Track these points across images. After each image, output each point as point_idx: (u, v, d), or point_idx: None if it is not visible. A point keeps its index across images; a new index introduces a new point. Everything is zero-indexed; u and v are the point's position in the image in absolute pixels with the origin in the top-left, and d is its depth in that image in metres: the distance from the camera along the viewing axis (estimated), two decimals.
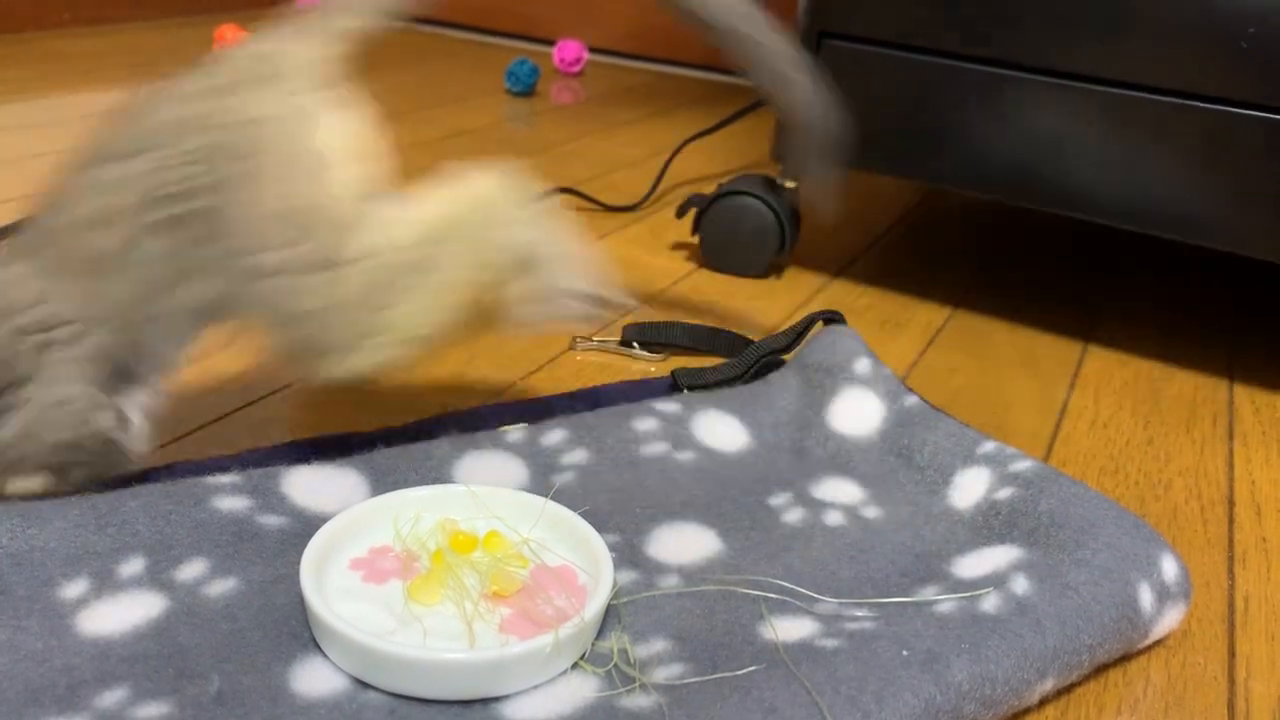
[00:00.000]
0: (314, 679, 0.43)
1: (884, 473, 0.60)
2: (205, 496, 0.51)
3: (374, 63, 1.75)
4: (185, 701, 0.40)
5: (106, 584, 0.46)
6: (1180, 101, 0.76)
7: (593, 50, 1.88)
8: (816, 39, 0.88)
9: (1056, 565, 0.50)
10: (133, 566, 0.47)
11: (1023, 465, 0.58)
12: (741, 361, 0.69)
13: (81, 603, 0.45)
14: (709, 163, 1.29)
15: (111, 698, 0.41)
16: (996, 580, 0.49)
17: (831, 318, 0.70)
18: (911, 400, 0.64)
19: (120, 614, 0.45)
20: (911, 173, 0.88)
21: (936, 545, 0.54)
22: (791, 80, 0.68)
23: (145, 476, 0.53)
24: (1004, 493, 0.56)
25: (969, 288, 0.99)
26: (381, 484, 0.54)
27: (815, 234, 1.09)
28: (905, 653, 0.44)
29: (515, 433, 0.60)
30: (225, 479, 0.52)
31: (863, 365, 0.65)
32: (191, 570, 0.47)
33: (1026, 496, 0.55)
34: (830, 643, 0.45)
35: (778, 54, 0.68)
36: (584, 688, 0.43)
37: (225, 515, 0.50)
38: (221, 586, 0.47)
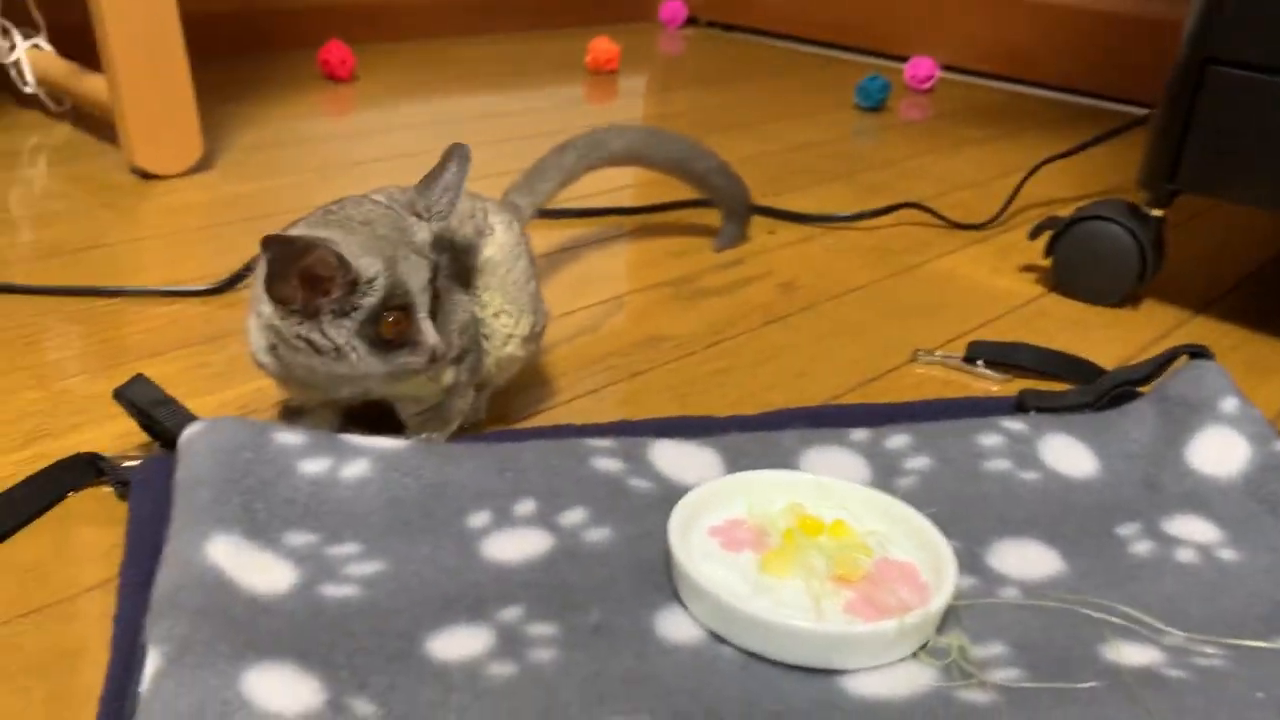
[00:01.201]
0: (676, 627, 0.48)
1: (1245, 517, 0.58)
2: (586, 456, 0.57)
3: (727, 77, 1.83)
4: (569, 627, 0.47)
5: (505, 519, 0.53)
6: None
7: (945, 68, 1.86)
8: (1200, 66, 0.84)
9: None
10: (526, 507, 0.54)
11: None
12: (1094, 389, 0.68)
13: (484, 532, 0.52)
14: (1061, 186, 1.26)
15: (510, 614, 0.47)
16: None
17: (1198, 352, 0.67)
18: None
19: (515, 545, 0.52)
20: None
21: None
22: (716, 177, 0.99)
23: (536, 433, 0.60)
24: None
25: None
26: (735, 464, 0.59)
27: (1180, 265, 1.04)
28: (1260, 695, 0.43)
29: (859, 433, 0.62)
30: (604, 443, 0.58)
31: (1230, 404, 0.62)
32: (573, 517, 0.54)
33: None
34: (1176, 674, 0.45)
35: (710, 167, 0.99)
36: (922, 676, 0.46)
37: (602, 474, 0.56)
38: (598, 534, 0.53)
